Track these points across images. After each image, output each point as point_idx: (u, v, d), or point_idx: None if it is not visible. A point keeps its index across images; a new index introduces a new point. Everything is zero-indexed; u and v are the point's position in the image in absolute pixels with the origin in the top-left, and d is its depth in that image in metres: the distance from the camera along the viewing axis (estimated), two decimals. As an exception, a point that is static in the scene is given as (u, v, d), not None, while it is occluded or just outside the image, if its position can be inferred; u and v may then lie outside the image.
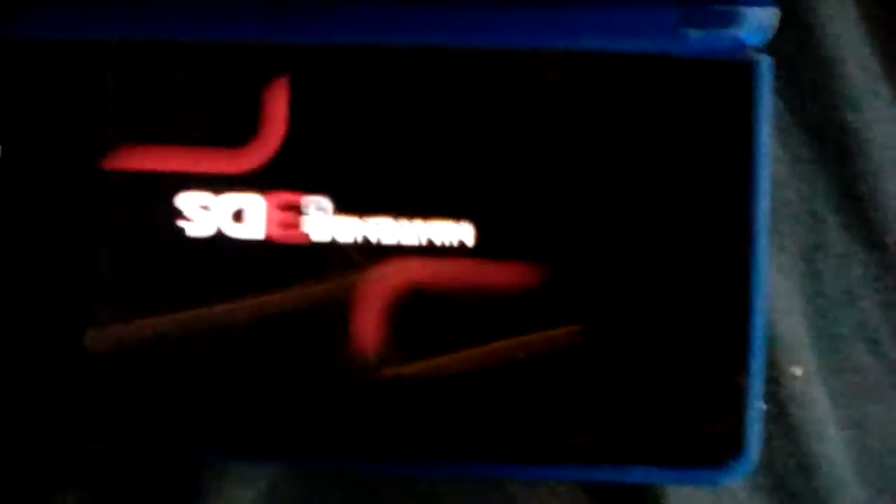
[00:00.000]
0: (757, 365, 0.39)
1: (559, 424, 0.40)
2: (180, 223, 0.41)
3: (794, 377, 0.45)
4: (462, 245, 0.40)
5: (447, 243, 0.40)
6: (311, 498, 0.45)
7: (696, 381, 0.39)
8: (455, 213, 0.40)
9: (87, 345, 0.41)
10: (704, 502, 0.45)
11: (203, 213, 0.41)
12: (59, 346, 0.41)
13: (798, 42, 0.45)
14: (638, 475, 0.39)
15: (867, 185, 0.45)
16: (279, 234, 0.41)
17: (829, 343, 0.46)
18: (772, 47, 0.40)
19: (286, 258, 0.41)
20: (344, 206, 0.40)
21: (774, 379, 0.45)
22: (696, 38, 0.39)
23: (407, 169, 0.40)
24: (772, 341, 0.45)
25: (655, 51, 0.40)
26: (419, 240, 0.40)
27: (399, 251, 0.40)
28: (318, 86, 0.40)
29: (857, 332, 0.46)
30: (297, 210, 0.40)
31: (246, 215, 0.41)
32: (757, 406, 0.39)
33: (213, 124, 0.41)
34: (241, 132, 0.41)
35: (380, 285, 0.40)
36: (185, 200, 0.41)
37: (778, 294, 0.45)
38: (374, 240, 0.40)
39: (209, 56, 0.41)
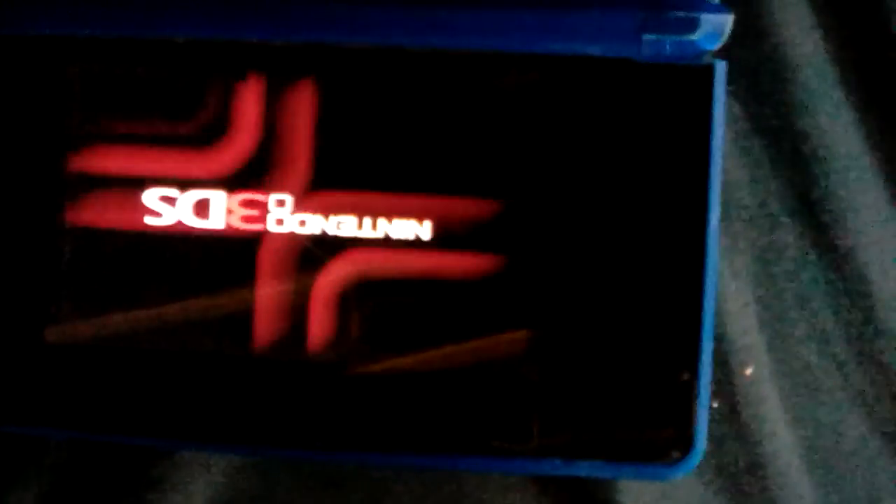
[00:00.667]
0: (706, 364, 0.40)
1: (510, 419, 0.40)
2: (144, 218, 0.41)
3: (746, 377, 0.46)
4: (419, 240, 0.41)
5: (406, 238, 0.41)
6: (267, 492, 0.46)
7: (646, 378, 0.40)
8: (415, 211, 0.41)
9: (47, 337, 0.41)
10: (655, 499, 0.46)
11: (166, 207, 0.41)
12: (20, 338, 0.41)
13: (755, 48, 0.46)
14: (587, 469, 0.40)
15: (821, 189, 0.46)
16: (239, 228, 0.41)
17: (781, 344, 0.47)
18: (729, 53, 0.41)
19: (244, 252, 0.41)
20: (305, 203, 0.41)
21: (726, 379, 0.46)
22: (653, 42, 0.40)
23: (370, 167, 0.41)
24: (724, 342, 0.46)
25: (614, 55, 0.40)
26: (379, 235, 0.41)
27: (358, 245, 0.41)
28: (290, 84, 0.41)
29: (809, 334, 0.47)
30: (258, 205, 0.41)
31: (209, 209, 0.41)
32: (705, 404, 0.40)
33: (181, 122, 0.41)
34: (211, 131, 0.41)
35: (337, 279, 0.41)
36: (148, 196, 0.41)
37: (731, 295, 0.46)
38: (333, 234, 0.41)
39: (177, 52, 0.41)
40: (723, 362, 0.46)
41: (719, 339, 0.45)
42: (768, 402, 0.46)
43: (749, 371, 0.46)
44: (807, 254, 0.47)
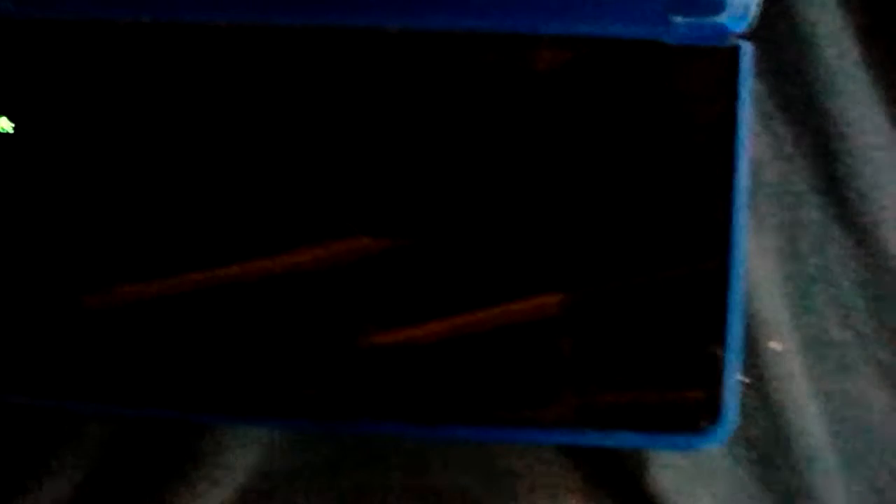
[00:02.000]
0: (734, 336, 0.41)
1: (542, 391, 0.41)
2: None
3: (773, 352, 0.47)
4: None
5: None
6: (306, 465, 0.46)
7: (676, 350, 0.41)
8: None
9: (89, 305, 0.42)
10: (686, 472, 0.46)
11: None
12: (58, 306, 0.42)
13: (780, 28, 0.46)
14: (618, 440, 0.41)
15: (845, 166, 0.47)
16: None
17: (807, 319, 0.47)
18: (755, 33, 0.42)
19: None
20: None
21: (754, 353, 0.46)
22: (681, 24, 0.41)
23: (378, 146, 0.42)
24: (751, 317, 0.46)
25: (643, 36, 0.41)
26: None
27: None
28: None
29: (834, 309, 0.47)
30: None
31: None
32: (734, 375, 0.41)
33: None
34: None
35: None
36: None
37: (757, 271, 0.46)
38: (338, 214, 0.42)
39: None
40: (750, 337, 0.46)
41: (746, 314, 0.46)
42: (795, 377, 0.47)
43: (776, 346, 0.47)
44: (831, 230, 0.47)
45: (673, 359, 0.41)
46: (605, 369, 0.41)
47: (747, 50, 0.41)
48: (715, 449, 0.46)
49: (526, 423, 0.41)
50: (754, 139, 0.46)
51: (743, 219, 0.41)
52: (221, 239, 0.42)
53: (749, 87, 0.41)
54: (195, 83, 0.42)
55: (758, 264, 0.46)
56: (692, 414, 0.41)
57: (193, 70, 0.42)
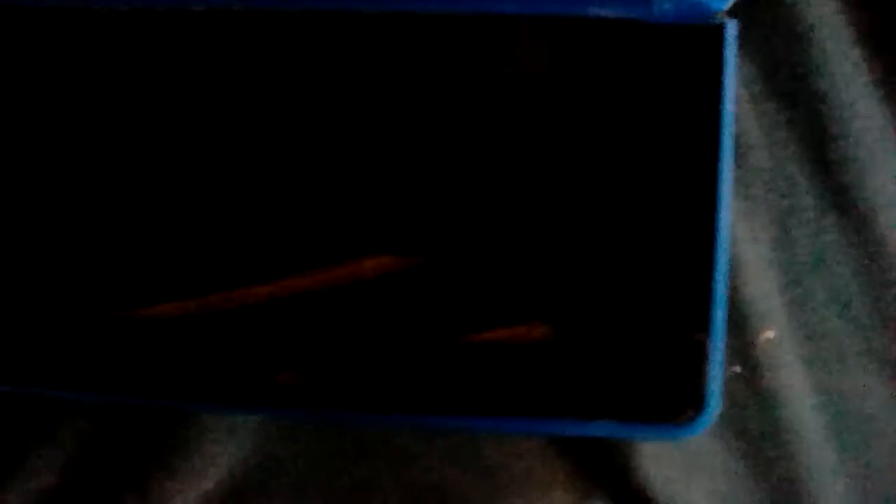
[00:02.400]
0: (719, 323, 0.40)
1: (521, 379, 0.40)
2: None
3: (766, 341, 0.46)
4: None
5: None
6: (293, 457, 0.46)
7: (659, 338, 0.40)
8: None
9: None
10: (676, 464, 0.46)
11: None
12: (57, 302, 0.42)
13: (769, 9, 0.45)
14: (601, 429, 0.40)
15: (839, 150, 0.46)
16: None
17: (801, 307, 0.47)
18: (744, 15, 0.41)
19: None
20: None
21: (746, 343, 0.46)
22: (664, 3, 0.40)
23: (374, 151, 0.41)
24: (744, 306, 0.45)
25: (626, 16, 0.40)
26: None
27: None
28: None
29: (829, 297, 0.47)
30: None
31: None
32: (719, 363, 0.40)
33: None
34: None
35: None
36: None
37: (750, 259, 0.46)
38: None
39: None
40: (743, 326, 0.45)
41: (739, 302, 0.45)
42: (789, 367, 0.46)
43: (770, 335, 0.46)
44: (826, 216, 0.46)
45: (656, 347, 0.40)
46: (587, 358, 0.40)
47: (732, 28, 0.40)
48: (707, 439, 0.46)
49: (506, 411, 0.40)
50: (744, 123, 0.45)
51: (727, 202, 0.40)
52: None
53: (734, 66, 0.40)
54: (190, 78, 0.41)
55: (750, 251, 0.46)
56: (676, 403, 0.40)
57: (190, 62, 0.41)
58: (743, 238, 0.45)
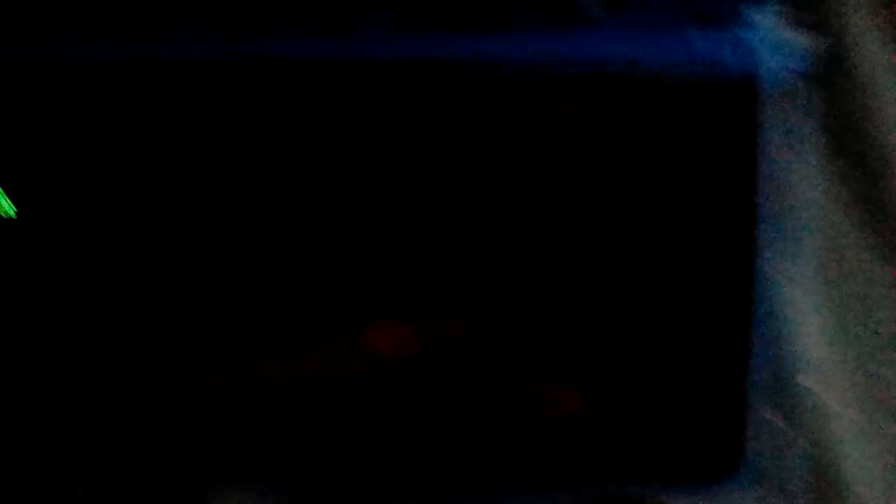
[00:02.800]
0: (758, 379, 0.39)
1: (567, 449, 0.39)
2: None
3: (810, 390, 0.45)
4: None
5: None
6: None
7: (698, 392, 0.39)
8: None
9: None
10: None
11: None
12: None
13: (818, 55, 0.45)
14: (639, 493, 0.39)
15: (889, 196, 0.45)
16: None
17: (846, 354, 0.45)
18: (811, 74, 0.40)
19: None
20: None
21: (788, 392, 0.44)
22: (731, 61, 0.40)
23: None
24: (786, 352, 0.44)
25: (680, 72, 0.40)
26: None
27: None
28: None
29: (874, 343, 0.45)
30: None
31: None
32: (760, 417, 0.39)
33: None
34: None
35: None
36: None
37: (794, 305, 0.44)
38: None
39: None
40: (785, 374, 0.44)
41: (782, 349, 0.44)
42: (832, 415, 0.45)
43: (813, 383, 0.45)
44: (873, 263, 0.45)
45: (695, 400, 0.39)
46: (626, 422, 0.39)
47: (775, 76, 0.39)
48: (749, 496, 0.44)
49: (548, 478, 0.39)
50: (791, 168, 0.44)
51: (769, 250, 0.39)
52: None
53: (779, 114, 0.39)
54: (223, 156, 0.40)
55: (794, 298, 0.44)
56: (716, 458, 0.39)
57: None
58: (786, 283, 0.44)
